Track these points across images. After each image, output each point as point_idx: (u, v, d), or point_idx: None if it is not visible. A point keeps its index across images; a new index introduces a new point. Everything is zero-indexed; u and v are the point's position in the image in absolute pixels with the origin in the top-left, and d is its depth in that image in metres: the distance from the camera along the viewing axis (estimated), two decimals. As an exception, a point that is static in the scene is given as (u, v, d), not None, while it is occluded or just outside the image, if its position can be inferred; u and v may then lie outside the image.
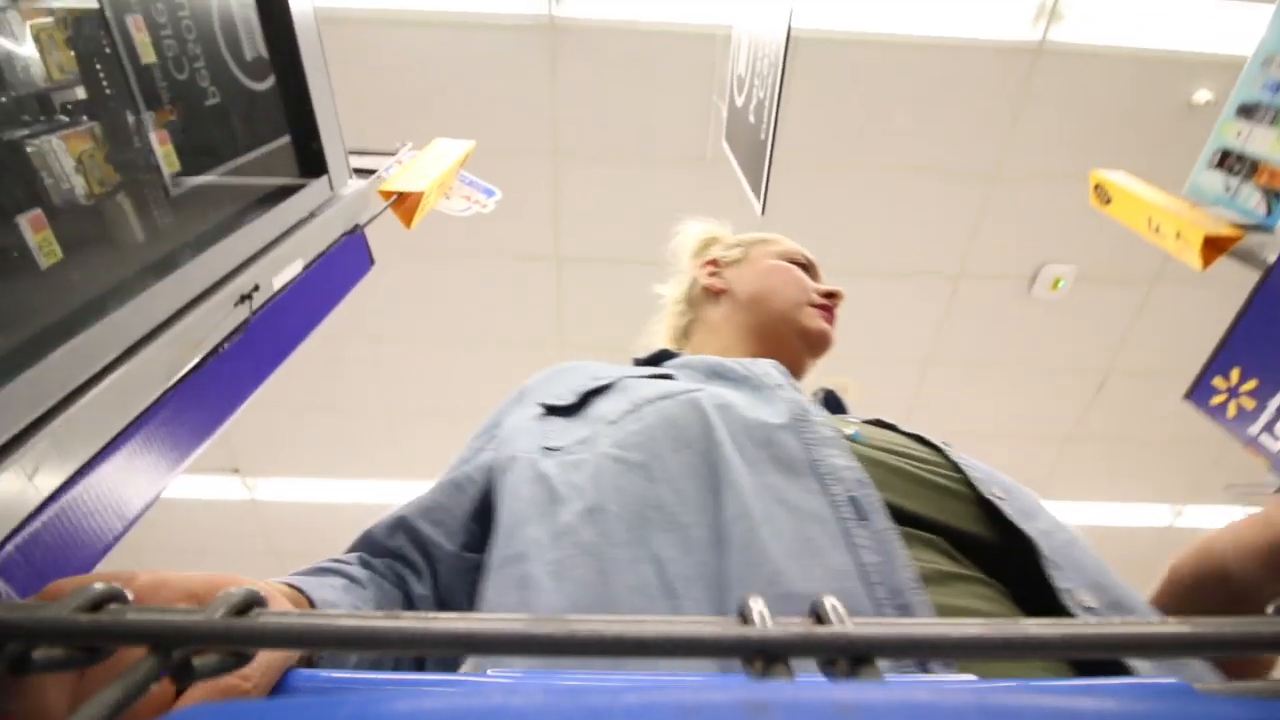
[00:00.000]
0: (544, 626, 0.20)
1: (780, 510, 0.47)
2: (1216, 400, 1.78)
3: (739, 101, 2.45)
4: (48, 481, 0.67)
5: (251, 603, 0.22)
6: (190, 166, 0.97)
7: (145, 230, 0.89)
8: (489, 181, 2.34)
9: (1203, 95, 2.96)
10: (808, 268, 0.91)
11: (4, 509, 0.61)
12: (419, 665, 0.54)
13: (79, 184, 0.84)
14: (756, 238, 0.96)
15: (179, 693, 0.29)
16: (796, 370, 0.84)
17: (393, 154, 1.63)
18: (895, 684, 0.18)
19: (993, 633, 0.19)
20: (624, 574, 0.44)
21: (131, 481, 0.77)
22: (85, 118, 0.85)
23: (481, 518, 0.61)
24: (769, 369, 0.67)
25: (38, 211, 0.72)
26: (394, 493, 4.10)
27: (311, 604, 0.45)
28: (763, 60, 2.07)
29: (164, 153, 0.94)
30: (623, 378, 0.66)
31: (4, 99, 0.76)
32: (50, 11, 0.79)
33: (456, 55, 2.95)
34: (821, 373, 0.91)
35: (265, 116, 1.18)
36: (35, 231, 0.72)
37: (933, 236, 3.29)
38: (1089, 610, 0.45)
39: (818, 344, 0.85)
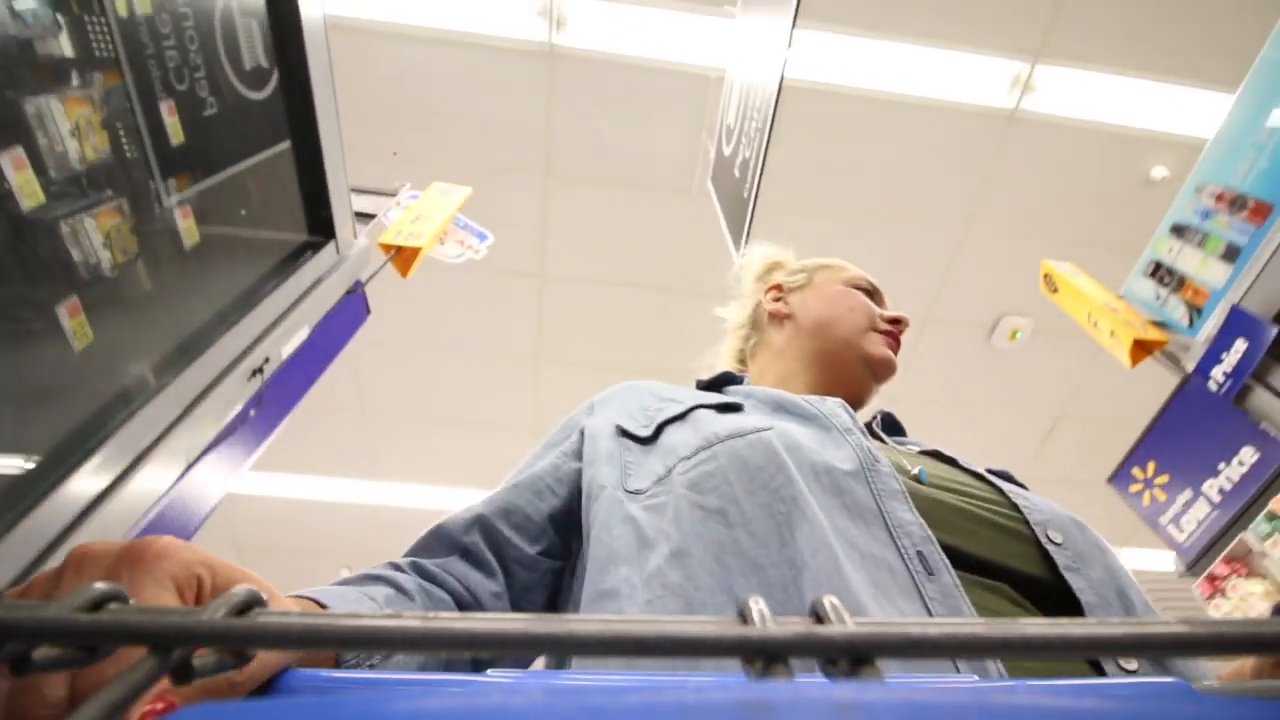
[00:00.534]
0: (544, 626, 0.20)
1: (854, 553, 0.49)
2: (1134, 488, 1.94)
3: (726, 151, 2.54)
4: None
5: (251, 603, 0.22)
6: (209, 238, 1.02)
7: (166, 303, 0.95)
8: (481, 195, 2.37)
9: (1160, 171, 3.14)
10: (872, 294, 0.90)
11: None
12: (476, 666, 0.55)
13: (105, 258, 0.89)
14: (821, 263, 0.96)
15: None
16: (860, 396, 0.84)
17: (392, 194, 1.67)
18: (895, 684, 0.17)
19: (992, 633, 0.19)
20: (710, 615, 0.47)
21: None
22: (111, 193, 0.91)
23: (561, 528, 0.63)
24: (837, 410, 0.67)
25: (74, 299, 0.77)
26: (359, 492, 4.12)
27: None
28: (750, 122, 2.16)
29: (186, 226, 0.99)
30: (695, 407, 0.67)
31: (51, 185, 0.81)
32: (90, 99, 0.85)
33: (458, 72, 2.99)
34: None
35: (280, 183, 1.22)
36: (71, 317, 0.78)
37: (901, 283, 3.43)
38: (1130, 673, 0.46)
39: (882, 370, 0.84)
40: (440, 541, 0.61)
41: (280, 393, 1.11)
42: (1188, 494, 1.80)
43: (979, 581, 0.51)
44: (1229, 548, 1.73)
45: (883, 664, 0.18)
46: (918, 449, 0.71)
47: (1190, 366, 1.76)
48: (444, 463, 4.09)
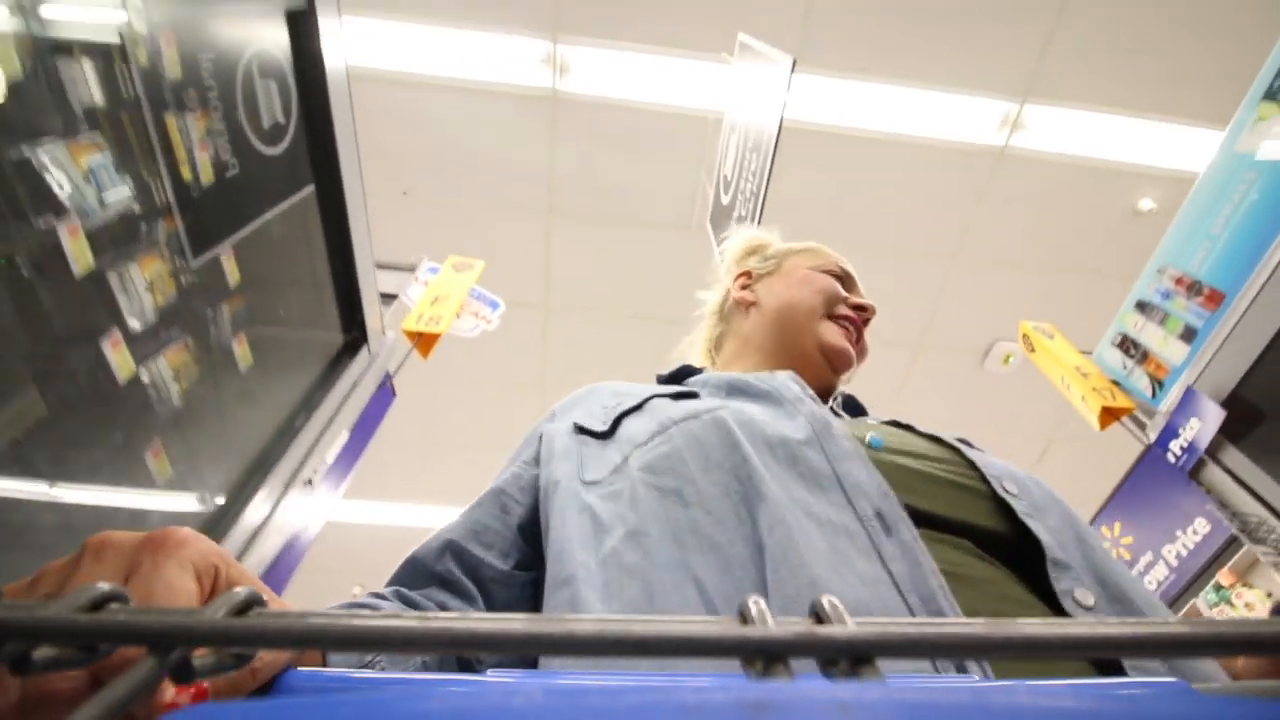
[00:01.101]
0: (544, 626, 0.20)
1: (811, 524, 0.48)
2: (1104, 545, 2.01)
3: (725, 200, 2.62)
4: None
5: (251, 603, 0.22)
6: (260, 359, 1.11)
7: (226, 427, 1.03)
8: (488, 231, 2.38)
9: (1146, 204, 3.23)
10: (843, 279, 0.86)
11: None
12: (464, 667, 0.54)
13: (175, 390, 0.99)
14: (795, 248, 0.92)
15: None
16: (822, 387, 0.80)
17: (411, 270, 1.75)
18: (895, 684, 0.18)
19: (993, 632, 0.19)
20: (669, 595, 0.45)
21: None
22: (178, 331, 1.00)
23: (530, 538, 0.62)
24: (787, 381, 0.67)
25: (157, 444, 0.87)
26: (370, 512, 4.22)
27: None
28: (747, 182, 2.24)
29: (241, 352, 1.09)
30: (651, 397, 0.66)
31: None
32: (162, 256, 0.94)
33: (466, 116, 3.07)
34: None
35: (317, 296, 1.28)
36: (155, 458, 0.87)
37: (897, 310, 3.52)
38: (1087, 609, 0.47)
39: (837, 360, 0.80)
40: (416, 571, 0.60)
41: (326, 492, 1.21)
42: (1149, 556, 1.87)
43: (941, 538, 0.50)
44: (1183, 611, 1.77)
45: (883, 664, 0.18)
46: (877, 421, 0.70)
47: (1152, 437, 1.85)
48: (451, 484, 4.19)
